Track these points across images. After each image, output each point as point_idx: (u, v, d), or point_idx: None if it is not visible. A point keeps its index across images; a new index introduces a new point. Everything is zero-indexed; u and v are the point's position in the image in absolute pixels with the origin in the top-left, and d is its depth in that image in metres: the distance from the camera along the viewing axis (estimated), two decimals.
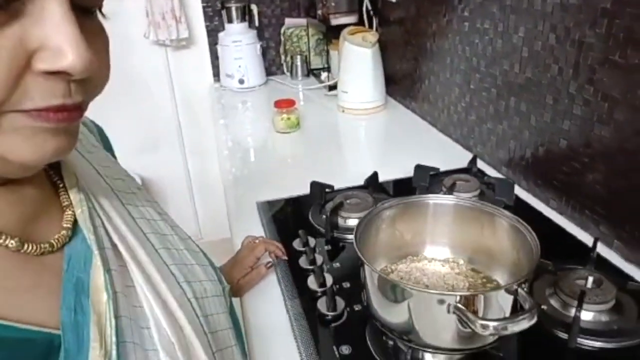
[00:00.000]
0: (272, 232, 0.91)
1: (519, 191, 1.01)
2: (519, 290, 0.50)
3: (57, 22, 0.28)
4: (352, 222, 0.90)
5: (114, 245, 0.41)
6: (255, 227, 0.95)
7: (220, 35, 1.93)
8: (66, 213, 0.40)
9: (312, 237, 0.87)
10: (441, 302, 0.50)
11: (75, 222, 0.40)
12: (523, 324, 0.47)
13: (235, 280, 0.75)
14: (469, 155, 1.22)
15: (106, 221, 0.42)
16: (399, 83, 1.64)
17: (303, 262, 0.79)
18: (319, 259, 0.80)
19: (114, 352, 0.34)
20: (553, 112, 0.93)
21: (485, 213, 0.63)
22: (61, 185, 0.42)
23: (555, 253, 0.68)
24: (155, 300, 0.41)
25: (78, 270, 0.37)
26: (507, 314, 0.52)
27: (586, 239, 0.85)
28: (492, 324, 0.47)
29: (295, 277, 0.78)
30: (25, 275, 0.35)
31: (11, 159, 0.31)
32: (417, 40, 1.46)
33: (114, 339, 0.35)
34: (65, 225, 0.39)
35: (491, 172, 1.13)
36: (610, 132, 0.80)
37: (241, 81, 1.90)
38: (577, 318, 0.60)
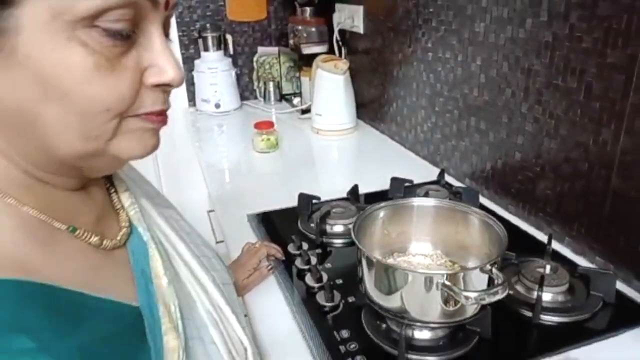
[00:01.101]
0: (265, 240, 0.99)
1: (482, 199, 1.15)
2: (493, 269, 0.61)
3: (159, 48, 0.38)
4: (339, 228, 1.00)
5: (160, 241, 0.48)
6: (249, 238, 1.02)
7: (197, 62, 2.01)
8: (121, 214, 0.47)
9: (304, 241, 0.95)
10: (430, 280, 0.60)
11: (129, 224, 0.46)
12: (497, 295, 0.58)
13: (239, 281, 0.83)
14: (436, 170, 1.36)
15: (151, 220, 0.50)
16: (369, 106, 1.77)
17: (299, 263, 0.88)
18: (314, 260, 0.89)
19: (180, 325, 0.42)
20: (508, 129, 1.07)
21: (460, 212, 0.75)
22: (112, 191, 0.49)
23: (517, 248, 0.80)
24: (197, 285, 0.49)
25: (141, 263, 0.44)
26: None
27: (541, 237, 0.99)
28: (472, 294, 0.57)
29: (293, 277, 0.86)
30: (106, 266, 0.41)
31: (122, 156, 0.39)
32: (384, 67, 1.60)
33: (178, 314, 0.42)
34: (123, 224, 0.46)
35: (457, 183, 1.26)
36: (557, 145, 0.94)
37: (217, 105, 1.99)
38: (539, 298, 0.72)
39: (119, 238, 0.44)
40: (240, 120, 2.00)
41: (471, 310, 0.63)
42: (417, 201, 0.78)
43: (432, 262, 0.76)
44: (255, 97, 2.20)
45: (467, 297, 0.57)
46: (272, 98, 2.13)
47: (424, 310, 0.63)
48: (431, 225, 0.78)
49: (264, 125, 1.52)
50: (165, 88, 0.39)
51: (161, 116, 0.40)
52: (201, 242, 0.58)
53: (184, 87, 2.11)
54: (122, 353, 0.36)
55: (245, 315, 0.69)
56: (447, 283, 0.59)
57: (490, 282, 0.63)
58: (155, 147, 0.41)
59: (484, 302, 0.57)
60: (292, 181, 1.35)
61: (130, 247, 0.45)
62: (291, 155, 1.57)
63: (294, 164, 1.50)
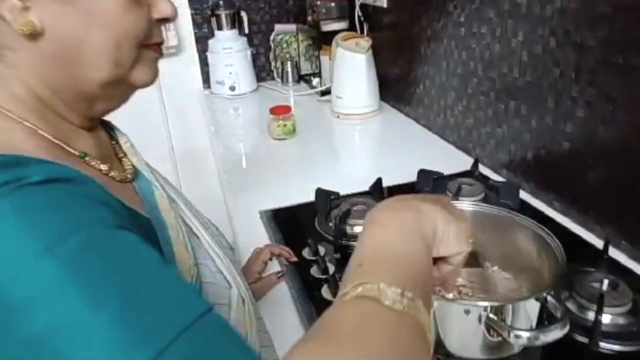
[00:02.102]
0: (279, 242, 0.90)
1: (521, 194, 1.02)
2: (549, 298, 0.50)
3: None
4: (360, 229, 0.89)
5: (162, 186, 0.51)
6: (261, 237, 0.93)
7: (210, 42, 1.90)
8: (124, 160, 0.51)
9: (321, 245, 0.86)
10: (468, 312, 0.50)
11: (133, 169, 0.50)
12: (555, 333, 0.47)
13: None
14: (467, 158, 1.23)
15: (153, 172, 0.53)
16: (393, 88, 1.64)
17: (315, 271, 0.78)
18: (331, 268, 0.79)
19: (189, 246, 0.46)
20: (554, 115, 0.94)
21: (504, 219, 0.63)
22: (113, 143, 0.53)
23: (564, 254, 0.66)
24: (201, 228, 0.52)
25: (147, 197, 0.48)
26: (534, 323, 0.52)
27: (593, 240, 0.86)
28: (525, 334, 0.46)
29: (308, 287, 0.76)
30: (118, 191, 0.43)
31: (137, 84, 0.46)
32: (410, 45, 1.46)
33: (186, 238, 0.46)
34: (127, 168, 0.50)
35: (491, 174, 1.14)
36: (614, 133, 0.81)
37: (232, 88, 1.88)
38: (598, 322, 0.61)
39: (125, 173, 0.48)
40: (256, 103, 1.89)
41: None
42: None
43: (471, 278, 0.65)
44: (273, 78, 2.09)
45: (517, 336, 0.46)
46: (290, 79, 2.01)
47: (463, 345, 0.52)
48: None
49: (280, 110, 1.41)
50: (163, 22, 0.47)
51: (160, 47, 0.48)
52: (207, 219, 0.60)
53: (198, 68, 2.01)
54: (150, 247, 0.36)
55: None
56: (492, 317, 0.48)
57: (544, 312, 0.51)
58: (157, 75, 0.49)
59: (538, 344, 0.46)
60: (310, 171, 1.25)
61: (136, 184, 0.49)
62: (309, 142, 1.46)
63: (313, 152, 1.39)
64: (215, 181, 1.42)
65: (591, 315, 0.66)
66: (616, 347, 0.62)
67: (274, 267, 0.83)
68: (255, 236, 0.94)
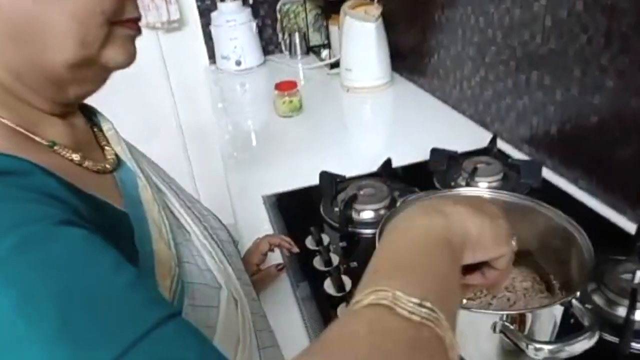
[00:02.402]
0: (281, 230, 0.85)
1: (544, 171, 0.94)
2: (575, 302, 0.43)
3: None
4: (368, 214, 0.84)
5: (149, 176, 0.48)
6: (263, 224, 0.88)
7: (213, 15, 1.82)
8: (106, 148, 0.47)
9: (325, 233, 0.80)
10: (484, 321, 0.44)
11: (115, 158, 0.46)
12: (582, 344, 0.41)
13: None
14: (485, 133, 1.15)
15: (139, 162, 0.48)
16: (406, 58, 1.55)
17: (318, 263, 0.73)
18: (335, 259, 0.73)
19: (172, 244, 0.42)
20: (581, 85, 0.85)
21: (525, 207, 0.56)
22: (96, 130, 0.48)
23: (591, 240, 0.55)
24: (191, 222, 0.48)
25: (129, 189, 0.44)
26: (556, 331, 0.46)
27: (622, 222, 0.79)
28: (547, 347, 0.41)
29: (310, 280, 0.72)
30: (89, 182, 0.40)
31: (110, 65, 0.41)
32: (423, 12, 1.36)
33: (170, 235, 0.42)
34: (108, 156, 0.46)
35: (511, 151, 1.06)
36: None
37: (238, 62, 1.81)
38: (630, 321, 0.54)
39: (104, 164, 0.44)
40: (264, 78, 1.82)
41: None
42: (465, 192, 0.60)
43: None
44: (280, 51, 2.00)
45: (537, 349, 0.40)
46: (299, 51, 1.92)
47: (480, 353, 0.47)
48: None
49: (286, 86, 1.34)
50: None
51: (136, 24, 0.43)
52: (196, 201, 0.57)
53: (202, 43, 1.94)
54: (105, 245, 0.32)
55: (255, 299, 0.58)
56: (509, 326, 0.42)
57: (568, 318, 0.46)
58: (135, 55, 0.43)
59: (563, 356, 0.41)
60: (317, 151, 1.18)
61: (117, 175, 0.45)
62: (317, 118, 1.39)
63: (320, 130, 1.32)
64: (221, 161, 1.38)
65: (621, 311, 0.60)
66: None
67: (277, 257, 0.78)
68: (258, 223, 0.89)
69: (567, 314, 0.46)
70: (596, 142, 0.84)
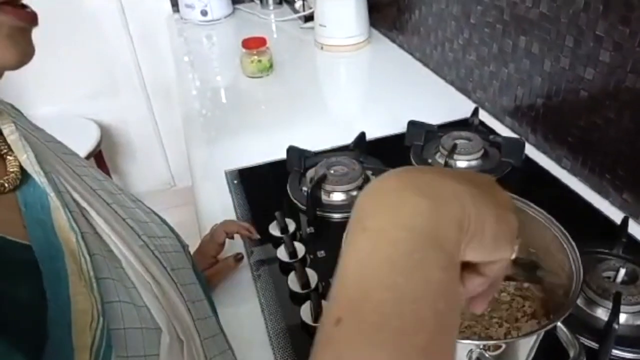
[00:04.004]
0: (244, 213, 0.78)
1: (526, 147, 0.88)
2: (561, 328, 0.39)
3: None
4: (338, 196, 0.77)
5: (68, 191, 0.39)
6: (225, 206, 0.81)
7: None
8: (8, 158, 0.38)
9: (292, 217, 0.74)
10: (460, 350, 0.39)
11: (22, 170, 0.38)
12: None
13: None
14: (466, 101, 1.08)
15: (54, 171, 0.40)
16: (384, 12, 1.44)
17: (282, 254, 0.67)
18: (300, 250, 0.67)
19: (94, 285, 0.33)
20: (573, 56, 0.78)
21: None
22: None
23: (571, 227, 0.49)
24: (122, 245, 0.39)
25: (37, 213, 0.35)
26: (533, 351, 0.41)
27: (606, 208, 0.75)
28: None
29: (273, 273, 0.66)
30: None
31: None
32: None
33: (92, 273, 0.33)
34: (10, 169, 0.37)
35: (493, 122, 0.99)
36: None
37: (204, 12, 1.66)
38: (612, 329, 0.50)
39: (2, 181, 0.36)
40: (232, 31, 1.68)
41: None
42: None
43: None
44: (252, 0, 1.85)
45: None
46: (271, 1, 1.78)
47: None
48: None
49: (254, 43, 1.23)
50: None
51: (23, 11, 0.35)
52: (135, 206, 0.48)
53: None
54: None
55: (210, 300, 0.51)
56: (487, 355, 0.37)
57: (550, 341, 0.41)
58: (30, 53, 0.36)
59: None
60: (287, 118, 1.10)
61: (20, 195, 0.37)
62: (288, 80, 1.28)
63: (291, 93, 1.22)
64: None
65: (601, 313, 0.56)
66: (630, 356, 0.52)
67: (238, 245, 0.71)
68: (219, 204, 0.81)
69: (549, 336, 0.41)
70: (585, 119, 0.78)
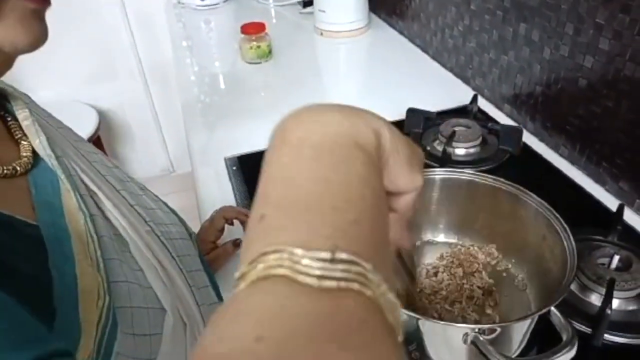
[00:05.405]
0: (243, 199, 0.78)
1: (525, 135, 0.89)
2: (555, 313, 0.39)
3: None
4: None
5: (78, 175, 0.40)
6: (225, 192, 0.81)
7: None
8: (22, 143, 0.39)
9: None
10: (453, 333, 0.40)
11: (34, 154, 0.39)
12: (563, 358, 0.37)
13: None
14: (465, 88, 1.08)
15: (65, 155, 0.41)
16: None
17: None
18: None
19: (101, 265, 0.34)
20: (572, 44, 0.78)
21: (507, 194, 0.51)
22: (9, 119, 0.41)
23: (568, 214, 0.51)
24: (130, 229, 0.40)
25: (47, 195, 0.37)
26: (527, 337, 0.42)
27: (603, 195, 0.76)
28: None
29: None
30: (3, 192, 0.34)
31: (5, 47, 0.33)
32: None
33: (99, 252, 0.35)
34: (23, 154, 0.39)
35: (491, 109, 1.00)
36: None
37: None
38: (605, 315, 0.51)
39: (14, 165, 0.37)
40: (231, 16, 1.67)
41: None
42: (440, 173, 0.55)
43: (451, 258, 0.55)
44: None
45: None
46: None
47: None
48: (461, 208, 0.55)
49: (253, 29, 1.22)
50: None
51: None
52: (143, 193, 0.49)
53: None
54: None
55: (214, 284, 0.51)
56: (481, 338, 0.38)
57: (543, 326, 0.42)
58: (43, 35, 0.35)
59: None
60: (285, 104, 1.09)
61: (32, 178, 0.38)
62: (287, 66, 1.28)
63: (290, 79, 1.22)
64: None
65: (594, 299, 0.57)
66: (624, 341, 0.53)
67: (238, 231, 0.72)
68: (218, 191, 0.82)
69: (542, 320, 0.42)
70: (583, 108, 0.79)
